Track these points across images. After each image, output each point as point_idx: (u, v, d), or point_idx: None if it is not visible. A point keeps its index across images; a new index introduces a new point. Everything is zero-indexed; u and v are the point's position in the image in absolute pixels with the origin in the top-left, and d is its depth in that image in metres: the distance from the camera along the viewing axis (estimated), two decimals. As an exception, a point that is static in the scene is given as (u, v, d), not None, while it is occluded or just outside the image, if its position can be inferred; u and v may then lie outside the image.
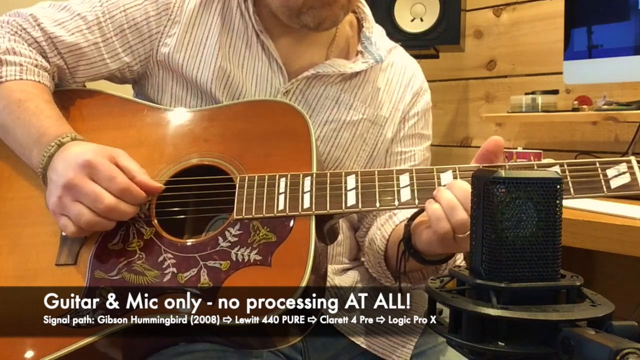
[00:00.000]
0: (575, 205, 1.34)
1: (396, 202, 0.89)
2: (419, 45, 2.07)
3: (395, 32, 2.04)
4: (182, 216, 0.96)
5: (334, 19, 1.02)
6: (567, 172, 0.85)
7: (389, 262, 1.04)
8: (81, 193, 0.87)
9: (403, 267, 0.95)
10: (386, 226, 1.06)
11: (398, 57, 1.16)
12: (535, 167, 0.86)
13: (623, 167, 0.85)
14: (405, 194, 0.88)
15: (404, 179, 0.89)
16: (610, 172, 0.85)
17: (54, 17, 1.04)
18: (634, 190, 0.83)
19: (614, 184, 0.84)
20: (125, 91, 1.14)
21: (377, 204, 0.89)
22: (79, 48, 1.04)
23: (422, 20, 2.10)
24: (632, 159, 0.85)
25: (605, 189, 0.84)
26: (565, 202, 0.66)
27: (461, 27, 2.08)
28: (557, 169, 0.86)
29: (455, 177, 0.88)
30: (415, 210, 0.92)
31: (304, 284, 0.82)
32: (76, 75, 1.07)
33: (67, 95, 1.06)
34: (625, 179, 0.84)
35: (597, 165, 0.85)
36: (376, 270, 1.08)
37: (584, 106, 1.87)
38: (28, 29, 1.03)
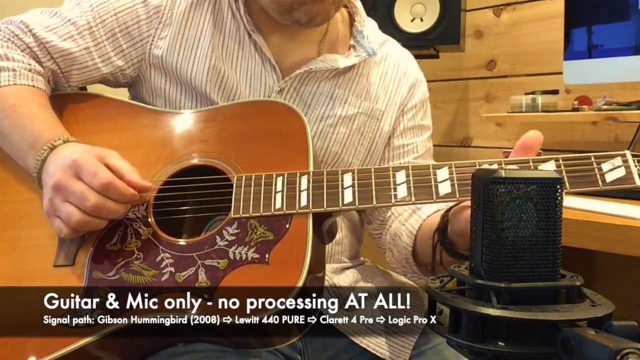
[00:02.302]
0: (575, 205, 1.34)
1: (393, 200, 0.89)
2: (419, 45, 2.07)
3: (395, 32, 2.03)
4: (180, 216, 0.95)
5: (325, 15, 1.02)
6: (562, 167, 0.86)
7: (418, 257, 1.04)
8: (69, 193, 0.87)
9: (439, 258, 0.94)
10: (411, 221, 1.06)
11: (391, 49, 1.17)
12: (531, 162, 0.87)
13: (618, 161, 0.85)
14: (402, 191, 0.88)
15: (400, 176, 0.89)
16: (605, 166, 0.86)
17: (45, 23, 1.04)
18: (629, 183, 0.84)
19: (609, 177, 0.85)
20: (123, 94, 1.13)
21: (374, 201, 0.89)
22: (70, 53, 1.04)
23: (422, 20, 2.09)
24: (627, 152, 0.86)
25: (600, 183, 0.85)
26: (565, 202, 0.66)
27: (461, 27, 2.08)
28: (552, 163, 0.86)
29: (451, 174, 0.88)
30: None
31: (300, 282, 0.82)
32: (70, 79, 1.07)
33: (63, 99, 1.07)
34: (620, 172, 0.85)
35: (592, 159, 0.86)
36: (402, 266, 1.08)
37: (584, 106, 1.86)
38: (20, 35, 1.03)
